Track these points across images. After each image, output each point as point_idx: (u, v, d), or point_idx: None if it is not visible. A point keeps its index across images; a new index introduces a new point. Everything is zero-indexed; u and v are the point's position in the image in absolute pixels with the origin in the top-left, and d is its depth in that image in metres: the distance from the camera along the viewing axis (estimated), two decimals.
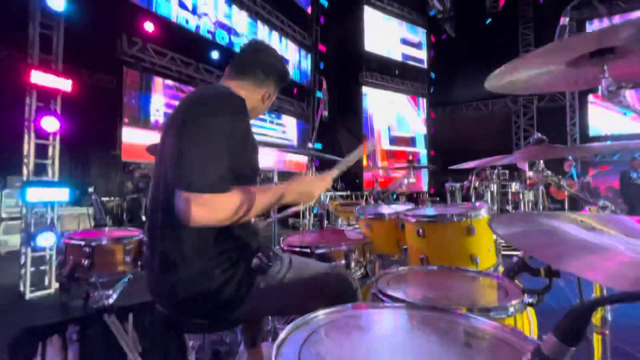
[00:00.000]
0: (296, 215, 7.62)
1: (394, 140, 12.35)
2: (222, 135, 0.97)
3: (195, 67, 7.62)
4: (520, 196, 5.52)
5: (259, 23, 9.50)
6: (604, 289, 1.01)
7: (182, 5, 7.46)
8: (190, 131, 0.95)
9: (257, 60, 1.21)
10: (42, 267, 3.58)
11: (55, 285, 3.56)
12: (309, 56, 11.50)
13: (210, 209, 0.91)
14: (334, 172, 1.26)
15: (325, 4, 11.45)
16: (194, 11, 7.70)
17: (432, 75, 13.24)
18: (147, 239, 1.13)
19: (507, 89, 1.17)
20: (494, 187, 4.81)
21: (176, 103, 1.20)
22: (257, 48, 1.25)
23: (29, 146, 3.55)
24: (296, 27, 10.79)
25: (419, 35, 13.04)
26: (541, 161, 1.51)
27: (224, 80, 1.22)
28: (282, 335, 0.65)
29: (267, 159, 8.90)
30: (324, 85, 2.09)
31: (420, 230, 1.67)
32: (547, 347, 0.39)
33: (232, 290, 0.98)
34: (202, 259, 0.98)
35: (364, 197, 10.03)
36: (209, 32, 8.02)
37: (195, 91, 1.17)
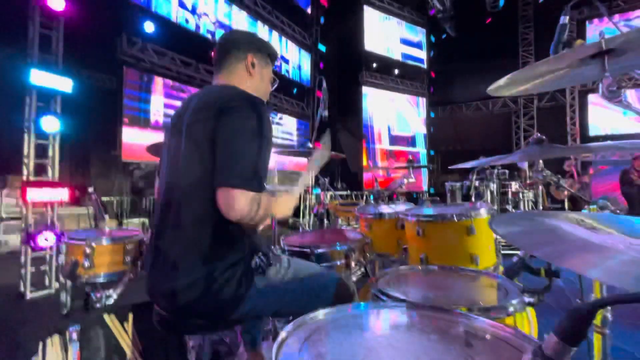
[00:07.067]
0: (296, 214, 7.62)
1: (393, 140, 12.34)
2: (259, 136, 1.01)
3: (195, 67, 7.61)
4: (520, 196, 5.51)
5: (259, 23, 9.49)
6: (604, 289, 1.01)
7: (182, 5, 7.45)
8: (230, 134, 0.99)
9: (227, 45, 1.25)
10: (42, 267, 3.58)
11: (55, 285, 3.56)
12: (309, 56, 11.49)
13: (255, 206, 0.96)
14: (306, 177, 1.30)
15: (325, 4, 11.43)
16: (193, 11, 7.69)
17: (432, 75, 13.23)
18: (150, 240, 1.13)
19: (508, 93, 1.18)
20: (494, 187, 4.80)
21: (176, 103, 1.20)
22: (224, 38, 1.31)
23: (29, 146, 3.55)
24: (296, 27, 10.77)
25: (419, 34, 13.02)
26: (540, 161, 1.51)
27: (216, 80, 1.24)
28: (282, 334, 0.65)
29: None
30: (324, 85, 2.09)
31: (420, 230, 1.67)
32: (549, 346, 0.39)
33: (231, 291, 0.98)
34: (203, 260, 0.98)
35: (364, 197, 10.03)
36: (208, 32, 8.01)
37: (213, 93, 1.15)
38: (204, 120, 1.03)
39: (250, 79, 1.24)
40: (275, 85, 1.37)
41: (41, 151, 3.65)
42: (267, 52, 1.30)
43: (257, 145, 1.00)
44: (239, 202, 0.93)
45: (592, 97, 10.58)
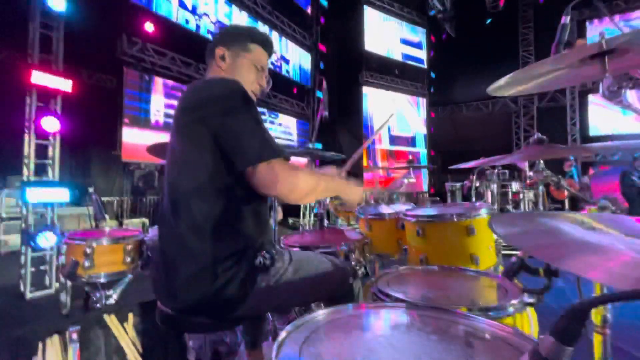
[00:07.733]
0: (296, 214, 7.62)
1: (393, 140, 12.34)
2: (257, 115, 1.02)
3: (195, 67, 7.61)
4: (521, 196, 5.51)
5: (259, 23, 9.49)
6: (605, 289, 1.01)
7: (182, 5, 7.45)
8: (229, 120, 0.98)
9: (214, 40, 1.28)
10: (42, 267, 3.58)
11: (55, 285, 3.56)
12: (309, 56, 11.48)
13: (292, 172, 0.96)
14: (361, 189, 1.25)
15: (325, 4, 11.42)
16: (194, 11, 7.69)
17: (432, 75, 13.22)
18: (157, 238, 1.14)
19: (508, 93, 1.18)
20: (494, 187, 4.80)
21: (176, 103, 1.20)
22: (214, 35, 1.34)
23: (29, 146, 3.55)
24: (296, 27, 10.77)
25: (419, 35, 13.02)
26: (541, 161, 1.51)
27: (208, 75, 1.26)
28: (282, 334, 0.65)
29: None
30: (324, 85, 2.09)
31: (420, 230, 1.67)
32: (545, 347, 0.39)
33: (235, 289, 0.99)
34: (207, 258, 0.99)
35: (364, 197, 10.01)
36: (209, 32, 8.01)
37: (197, 92, 1.13)
38: (192, 122, 1.03)
39: (221, 72, 1.22)
40: (267, 69, 1.29)
41: (41, 151, 3.65)
42: (248, 39, 1.24)
43: (252, 118, 1.00)
44: (268, 174, 0.93)
45: (592, 97, 10.57)
